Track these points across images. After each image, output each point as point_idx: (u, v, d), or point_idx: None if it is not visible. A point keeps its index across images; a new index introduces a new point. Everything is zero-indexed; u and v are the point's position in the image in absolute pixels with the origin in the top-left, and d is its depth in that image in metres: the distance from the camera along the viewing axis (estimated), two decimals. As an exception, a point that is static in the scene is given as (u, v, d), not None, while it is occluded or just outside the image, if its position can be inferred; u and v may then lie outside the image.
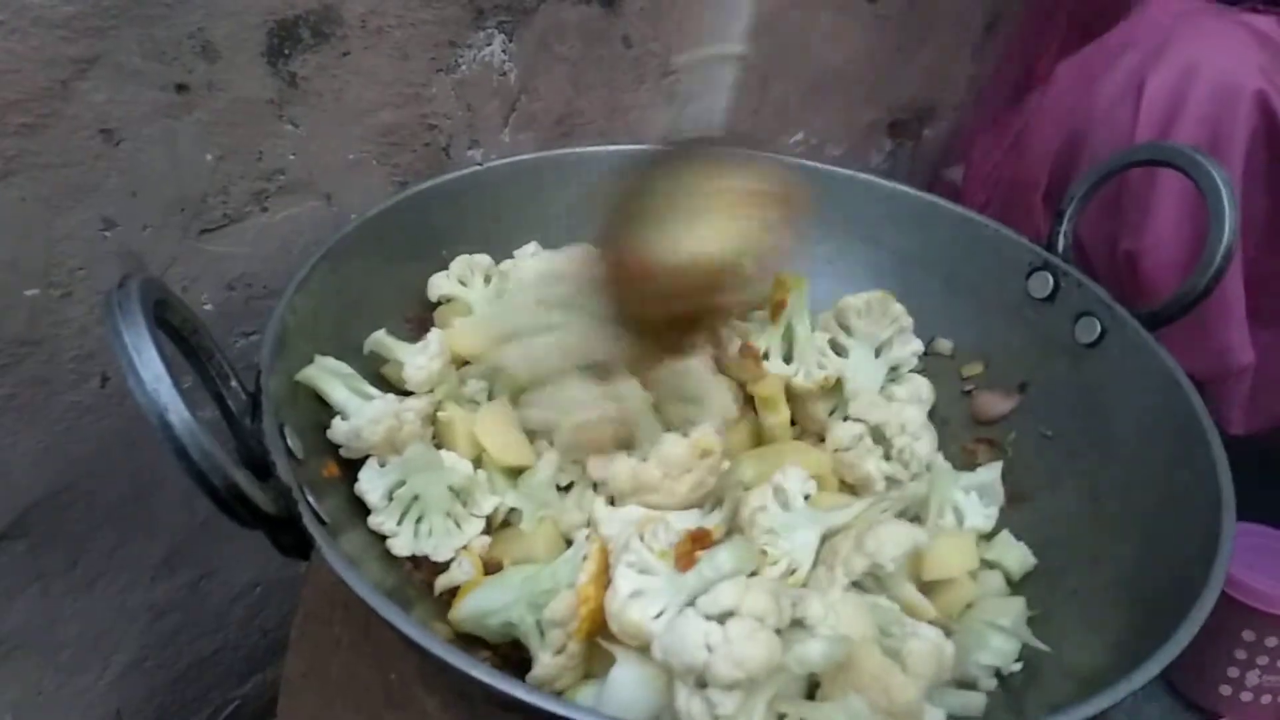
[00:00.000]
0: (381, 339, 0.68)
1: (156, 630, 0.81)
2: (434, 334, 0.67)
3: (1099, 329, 0.71)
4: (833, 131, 1.21)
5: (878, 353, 0.75)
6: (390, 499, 0.60)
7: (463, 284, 0.74)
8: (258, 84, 0.69)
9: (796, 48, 1.10)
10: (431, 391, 0.66)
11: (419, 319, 0.73)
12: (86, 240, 0.65)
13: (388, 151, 0.78)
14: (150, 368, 0.44)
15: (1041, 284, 0.75)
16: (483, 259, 0.75)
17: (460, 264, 0.74)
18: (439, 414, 0.65)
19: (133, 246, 0.67)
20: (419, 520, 0.60)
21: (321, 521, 0.49)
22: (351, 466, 0.59)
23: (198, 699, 0.88)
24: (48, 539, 0.71)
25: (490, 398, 0.68)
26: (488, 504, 0.62)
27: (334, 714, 0.60)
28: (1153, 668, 0.48)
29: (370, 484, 0.59)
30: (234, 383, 0.55)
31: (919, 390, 0.73)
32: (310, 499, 0.50)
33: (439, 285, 0.74)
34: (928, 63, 1.27)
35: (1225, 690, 0.93)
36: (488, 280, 0.75)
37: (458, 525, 0.61)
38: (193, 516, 0.78)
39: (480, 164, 0.76)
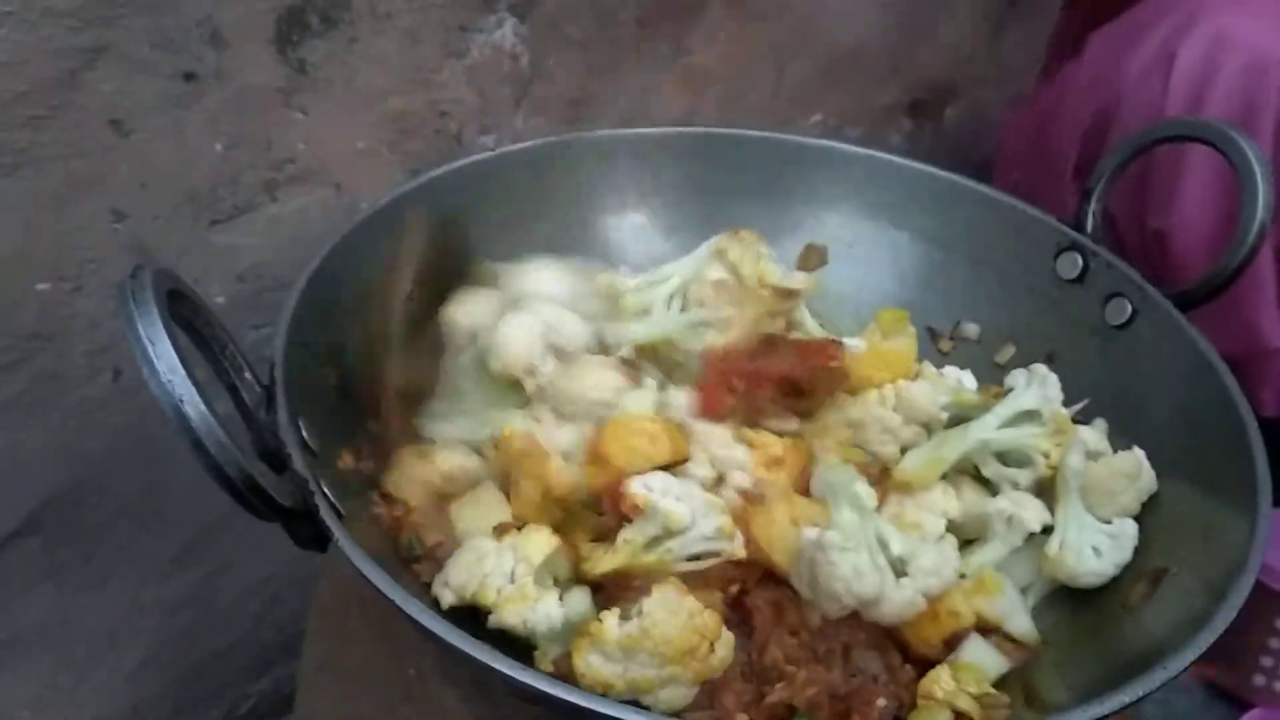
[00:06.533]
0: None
1: (170, 626, 0.81)
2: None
3: (1129, 310, 0.69)
4: (851, 112, 1.19)
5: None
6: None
7: None
8: (266, 72, 0.68)
9: (812, 27, 1.08)
10: None
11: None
12: (96, 233, 0.64)
13: (398, 139, 0.77)
14: (165, 359, 0.44)
15: (1070, 265, 0.73)
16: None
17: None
18: None
19: (143, 238, 0.66)
20: None
21: (338, 514, 0.48)
22: (363, 457, 0.58)
23: (213, 695, 0.88)
24: (61, 535, 0.71)
25: None
26: None
27: (351, 707, 0.59)
28: (1187, 656, 0.46)
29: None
30: (248, 374, 0.54)
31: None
32: (327, 491, 0.49)
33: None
34: (948, 40, 1.25)
35: (1259, 680, 0.91)
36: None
37: None
38: (205, 512, 0.77)
39: (492, 150, 0.75)
